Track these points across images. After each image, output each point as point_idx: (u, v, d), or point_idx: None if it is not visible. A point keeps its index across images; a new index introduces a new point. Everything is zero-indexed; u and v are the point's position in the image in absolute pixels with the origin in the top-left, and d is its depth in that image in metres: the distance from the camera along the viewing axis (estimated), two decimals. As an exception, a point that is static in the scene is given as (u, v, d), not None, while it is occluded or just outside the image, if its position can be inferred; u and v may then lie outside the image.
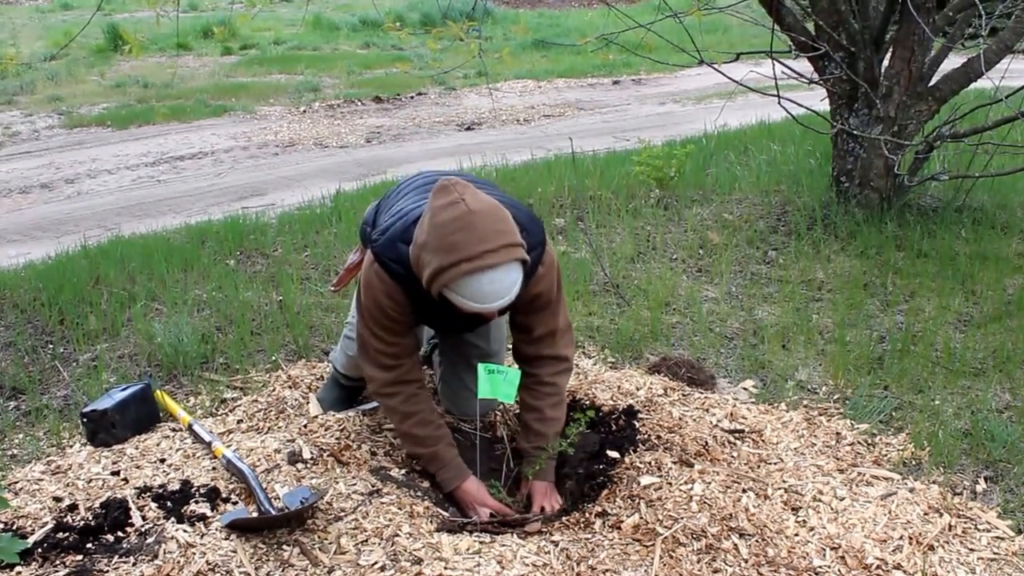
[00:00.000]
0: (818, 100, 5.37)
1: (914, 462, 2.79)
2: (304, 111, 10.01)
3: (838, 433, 2.93)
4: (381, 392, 2.65)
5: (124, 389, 2.96)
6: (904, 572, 2.24)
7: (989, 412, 3.06)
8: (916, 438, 2.90)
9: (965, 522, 2.48)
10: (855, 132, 4.91)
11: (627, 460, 2.70)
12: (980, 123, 5.00)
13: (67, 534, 2.34)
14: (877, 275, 4.36)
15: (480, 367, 2.54)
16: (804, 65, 5.26)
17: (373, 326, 2.57)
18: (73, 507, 2.46)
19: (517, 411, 3.06)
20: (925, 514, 2.48)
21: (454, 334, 2.94)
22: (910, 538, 2.37)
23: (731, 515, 2.42)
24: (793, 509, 2.49)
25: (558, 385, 2.73)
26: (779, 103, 4.56)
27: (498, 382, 2.52)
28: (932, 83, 4.90)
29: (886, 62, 4.95)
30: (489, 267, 2.24)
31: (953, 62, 5.07)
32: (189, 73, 12.48)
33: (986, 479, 2.71)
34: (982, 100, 5.29)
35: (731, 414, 3.00)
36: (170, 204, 6.47)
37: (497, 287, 2.27)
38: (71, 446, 2.89)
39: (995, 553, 2.36)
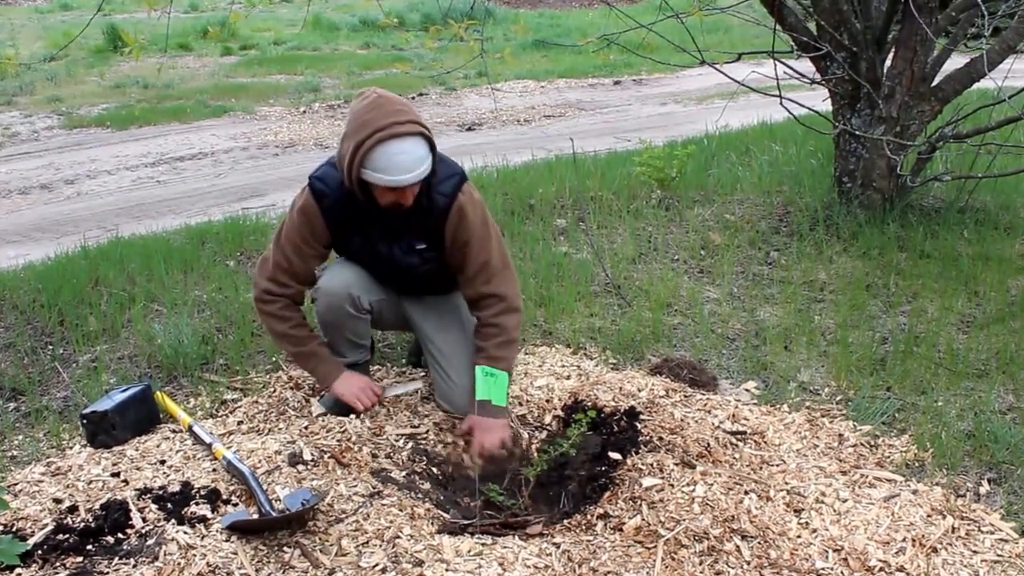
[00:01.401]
0: (820, 100, 5.36)
1: (917, 464, 2.78)
2: (304, 111, 10.00)
3: (840, 435, 2.92)
4: (263, 299, 2.90)
5: (124, 390, 2.95)
6: (907, 575, 2.23)
7: (992, 414, 3.05)
8: (919, 440, 2.88)
9: (968, 524, 2.47)
10: (857, 132, 4.89)
11: (629, 462, 2.69)
12: (983, 123, 4.99)
13: (67, 536, 2.33)
14: (879, 276, 4.35)
15: (478, 369, 2.57)
16: (806, 65, 5.25)
17: (284, 242, 2.84)
18: (73, 509, 2.45)
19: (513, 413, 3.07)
20: (928, 516, 2.47)
21: (424, 289, 3.09)
22: (913, 540, 2.36)
23: (733, 517, 2.41)
24: (795, 511, 2.48)
25: (501, 326, 2.88)
26: (781, 103, 4.55)
27: (491, 384, 2.53)
28: (935, 83, 4.88)
29: (888, 62, 4.93)
30: (397, 136, 2.55)
31: (956, 62, 5.05)
32: (189, 73, 12.49)
33: (989, 481, 2.70)
34: (985, 100, 5.28)
35: (733, 415, 2.99)
36: (170, 205, 6.46)
37: (406, 158, 2.57)
38: (71, 447, 2.88)
39: (998, 555, 2.34)
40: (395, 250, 2.88)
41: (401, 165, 2.58)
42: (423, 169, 2.63)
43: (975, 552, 2.35)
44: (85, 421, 2.86)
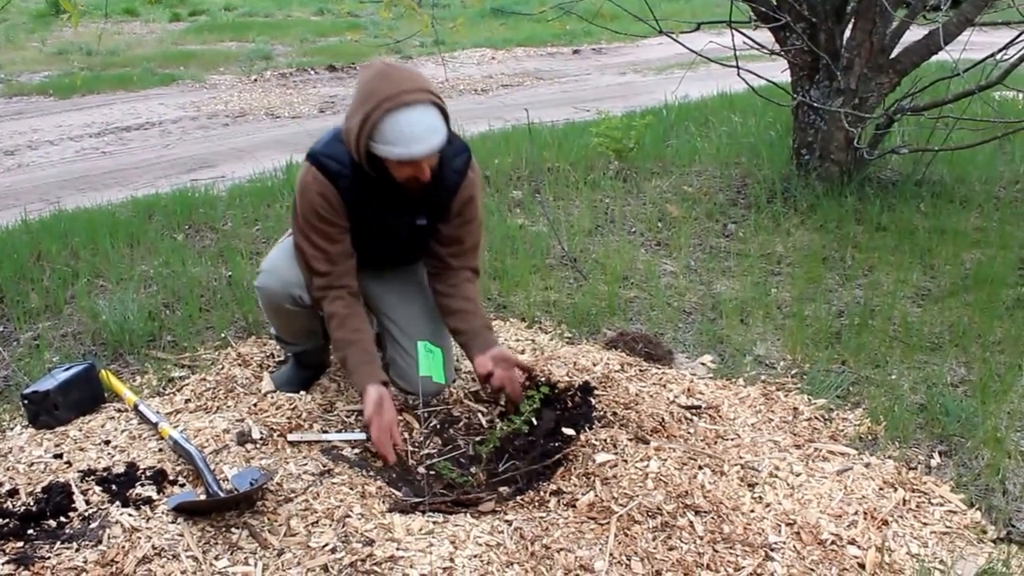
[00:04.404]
0: (779, 71, 5.35)
1: (870, 437, 2.80)
2: (255, 80, 9.82)
3: (795, 408, 2.92)
4: (316, 296, 2.73)
5: (67, 369, 2.87)
6: (858, 547, 2.25)
7: (945, 387, 3.08)
8: (873, 413, 2.90)
9: (919, 496, 2.49)
10: (816, 104, 4.89)
11: (582, 437, 2.66)
12: (940, 96, 5.01)
13: (7, 520, 2.26)
14: (836, 249, 4.36)
15: (419, 344, 2.51)
16: (765, 36, 5.23)
17: (307, 231, 2.66)
18: (13, 492, 2.38)
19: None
20: (880, 489, 2.49)
21: (394, 261, 2.98)
22: (865, 513, 2.37)
23: (687, 492, 2.40)
24: (749, 485, 2.48)
25: (477, 291, 2.93)
26: (738, 74, 4.53)
27: (431, 360, 2.49)
28: (893, 55, 4.89)
29: (847, 33, 4.93)
30: (406, 104, 2.41)
31: (915, 34, 5.06)
32: (136, 40, 12.19)
33: (940, 453, 2.72)
34: (942, 73, 5.30)
35: (688, 390, 2.98)
36: (116, 177, 6.29)
37: (417, 128, 2.43)
38: (11, 429, 2.79)
39: (947, 527, 2.37)
40: (399, 225, 2.77)
41: (411, 136, 2.43)
42: (436, 140, 2.48)
43: (925, 524, 2.38)
44: (26, 401, 2.78)
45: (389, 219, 2.75)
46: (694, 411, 2.84)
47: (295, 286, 2.79)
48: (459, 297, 2.82)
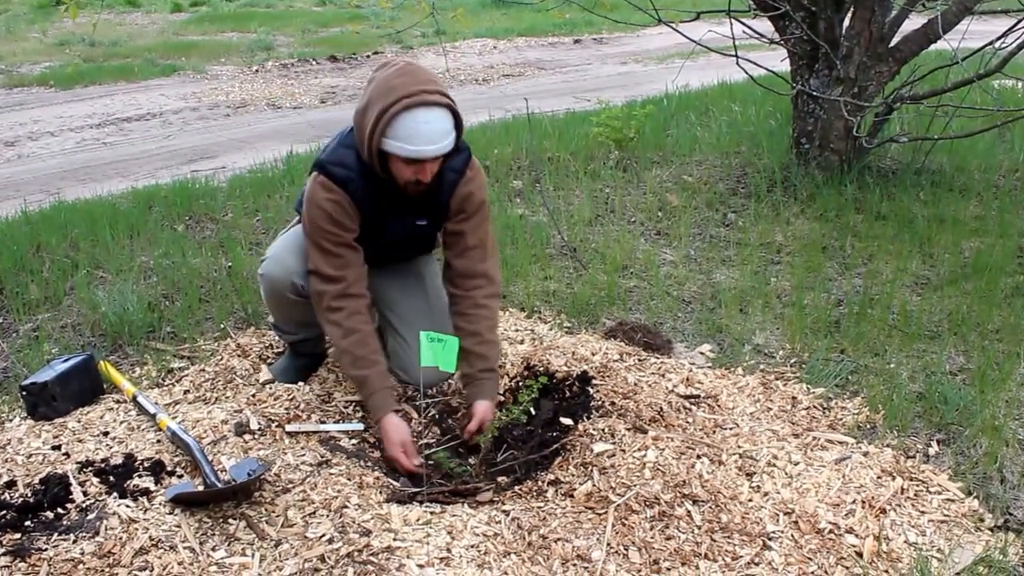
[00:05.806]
0: (779, 60, 5.33)
1: (869, 426, 2.79)
2: (257, 71, 9.81)
3: (794, 397, 2.92)
4: (328, 307, 2.69)
5: (66, 360, 2.87)
6: (856, 536, 2.24)
7: (943, 375, 3.07)
8: (871, 402, 2.89)
9: (917, 485, 2.48)
10: (815, 93, 4.88)
11: (580, 427, 2.66)
12: (940, 85, 4.99)
13: (4, 512, 2.26)
14: (836, 238, 4.35)
15: (422, 335, 2.50)
16: (765, 25, 5.21)
17: (318, 238, 2.66)
18: (11, 484, 2.38)
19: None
20: (878, 478, 2.48)
21: (394, 259, 2.96)
22: (863, 502, 2.37)
23: (684, 482, 2.39)
24: (747, 475, 2.47)
25: (491, 308, 2.83)
26: (737, 63, 4.51)
27: (439, 350, 2.48)
28: (892, 44, 4.87)
29: (847, 22, 4.91)
30: (425, 103, 2.45)
31: (914, 23, 5.04)
32: (137, 31, 12.19)
33: (938, 442, 2.72)
34: (942, 61, 5.28)
35: (687, 379, 2.97)
36: (116, 168, 6.29)
37: (432, 127, 2.47)
38: (10, 420, 2.79)
39: (945, 515, 2.36)
40: (398, 227, 2.79)
41: (425, 135, 2.47)
42: (446, 143, 2.52)
43: (923, 512, 2.37)
44: (25, 393, 2.78)
45: (390, 221, 2.76)
46: (693, 400, 2.83)
47: (298, 275, 2.79)
48: (467, 333, 2.75)
